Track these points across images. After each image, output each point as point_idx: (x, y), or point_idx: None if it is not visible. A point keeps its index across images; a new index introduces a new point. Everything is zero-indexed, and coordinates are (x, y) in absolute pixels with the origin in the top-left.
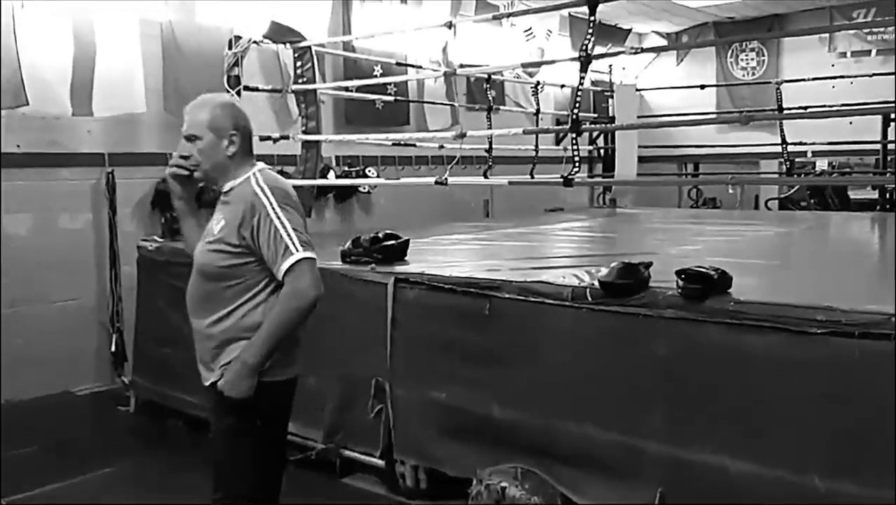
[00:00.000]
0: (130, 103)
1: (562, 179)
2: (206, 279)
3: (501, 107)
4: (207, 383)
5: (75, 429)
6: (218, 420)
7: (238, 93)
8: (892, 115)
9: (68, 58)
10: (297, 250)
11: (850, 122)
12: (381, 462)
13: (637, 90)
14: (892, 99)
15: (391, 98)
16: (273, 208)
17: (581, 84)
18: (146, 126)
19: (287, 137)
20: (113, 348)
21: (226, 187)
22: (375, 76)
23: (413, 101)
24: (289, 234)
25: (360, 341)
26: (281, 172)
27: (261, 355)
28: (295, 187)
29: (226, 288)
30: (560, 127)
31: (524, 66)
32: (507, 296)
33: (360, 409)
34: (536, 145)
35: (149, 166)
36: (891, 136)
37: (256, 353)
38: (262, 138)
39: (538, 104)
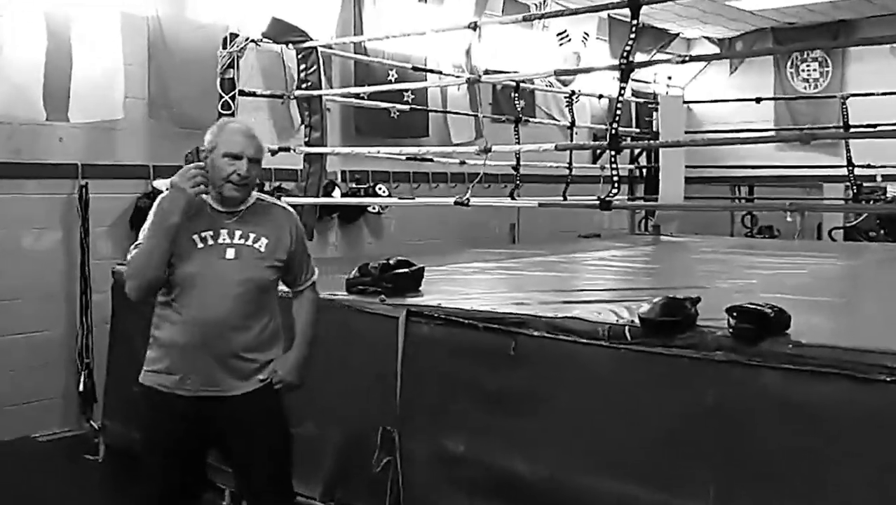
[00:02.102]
0: (108, 108)
1: (598, 202)
2: (260, 293)
3: (531, 119)
4: (242, 392)
5: (35, 481)
6: (272, 416)
7: (232, 98)
8: None
9: (40, 56)
10: (315, 266)
11: None
12: None
13: (684, 102)
14: None
15: (407, 107)
16: (303, 232)
17: (621, 95)
18: (127, 134)
19: (288, 149)
20: (81, 388)
21: (241, 206)
22: (390, 82)
23: (432, 111)
24: (309, 253)
25: (366, 384)
26: (279, 189)
27: (310, 348)
28: (295, 206)
29: (269, 298)
30: (597, 143)
31: (557, 73)
32: (534, 333)
33: (365, 461)
34: (570, 163)
35: (129, 179)
36: None
37: (309, 346)
38: None
39: (573, 116)
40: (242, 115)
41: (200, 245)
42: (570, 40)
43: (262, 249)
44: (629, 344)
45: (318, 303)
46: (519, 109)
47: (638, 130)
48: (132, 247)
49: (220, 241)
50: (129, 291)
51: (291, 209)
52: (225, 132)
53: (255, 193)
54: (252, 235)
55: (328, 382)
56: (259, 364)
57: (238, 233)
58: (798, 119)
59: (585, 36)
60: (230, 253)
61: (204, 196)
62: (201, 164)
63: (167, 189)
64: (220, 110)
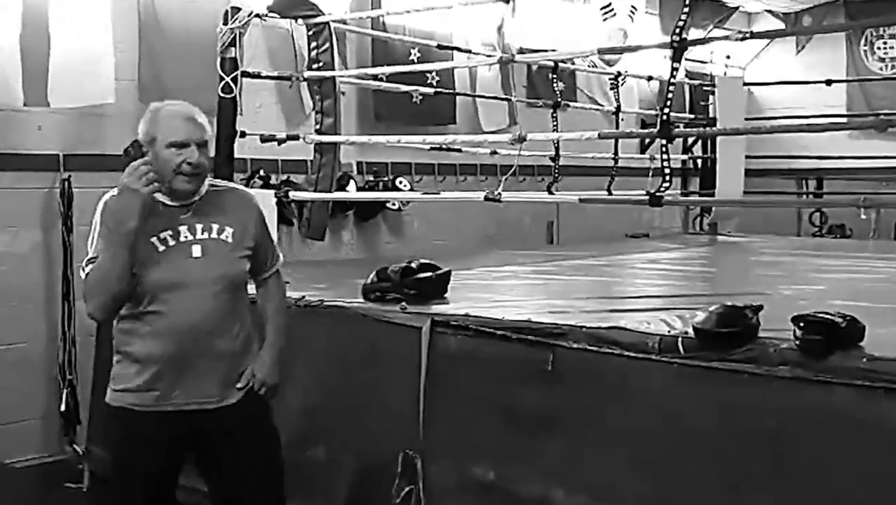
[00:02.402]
0: (97, 92)
1: (647, 197)
2: (235, 289)
3: (571, 103)
4: (231, 402)
5: None
6: (263, 422)
7: (234, 80)
8: None
9: (15, 33)
10: (280, 251)
11: None
12: None
13: (745, 84)
14: None
15: (431, 90)
16: (264, 215)
17: (673, 76)
18: (115, 121)
19: (297, 138)
20: (63, 408)
21: (194, 197)
22: (412, 62)
23: (459, 95)
24: (272, 237)
25: (385, 403)
26: (287, 182)
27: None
28: (304, 202)
29: (243, 295)
30: (646, 130)
31: (601, 52)
32: (575, 346)
33: (383, 491)
34: (616, 153)
35: (117, 172)
36: None
37: (284, 340)
38: (265, 139)
39: (618, 101)
40: (247, 98)
41: (162, 248)
42: (615, 15)
43: (230, 240)
44: (682, 358)
45: (285, 292)
46: (558, 93)
47: (692, 116)
48: (84, 263)
49: (182, 239)
50: (93, 311)
51: (248, 190)
52: (162, 119)
53: (206, 180)
54: (215, 227)
55: (341, 402)
56: (243, 369)
57: (199, 227)
58: (873, 104)
59: (633, 10)
60: (196, 251)
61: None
62: (147, 158)
63: (116, 192)
64: (221, 93)
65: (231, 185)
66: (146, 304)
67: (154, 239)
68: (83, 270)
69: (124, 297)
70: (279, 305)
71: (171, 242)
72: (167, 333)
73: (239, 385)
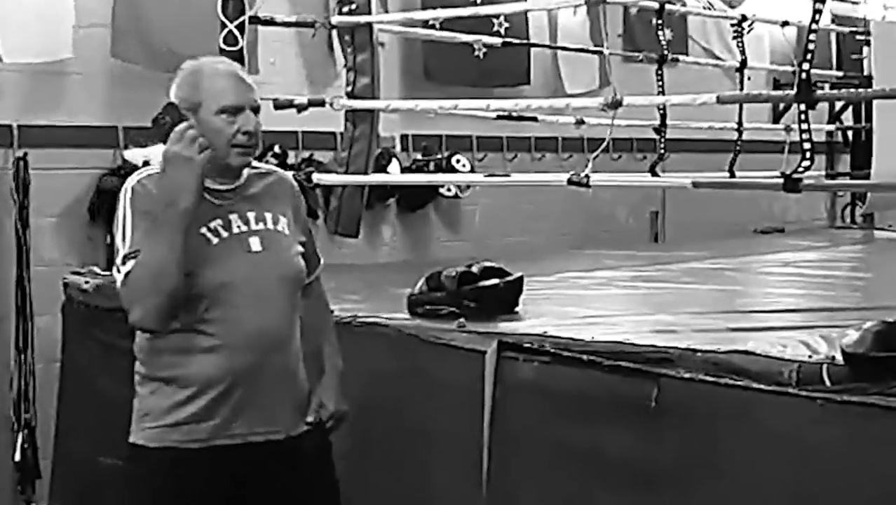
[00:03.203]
0: (52, 44)
1: (782, 179)
2: (295, 292)
3: (681, 57)
4: (298, 432)
5: None
6: (323, 462)
7: (241, 27)
8: None
9: None
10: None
11: None
12: None
13: None
14: None
15: (499, 41)
16: None
17: (816, 21)
18: (83, 82)
19: (322, 104)
20: (17, 456)
21: (244, 176)
22: (473, 4)
23: (535, 46)
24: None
25: (437, 449)
26: (309, 161)
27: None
28: (333, 187)
29: (298, 300)
30: (780, 93)
31: None
32: (686, 376)
33: None
34: (740, 122)
35: (87, 149)
36: None
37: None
38: (280, 105)
39: (743, 54)
40: (261, 51)
41: (215, 240)
42: None
43: (287, 231)
44: (828, 392)
45: (329, 302)
46: (664, 44)
47: (841, 75)
48: (120, 261)
49: (234, 230)
50: (141, 319)
51: (291, 177)
52: (206, 80)
53: None
54: (268, 215)
55: (382, 448)
56: (307, 391)
57: (252, 214)
58: None
59: None
60: (255, 244)
61: None
62: (191, 122)
63: (160, 166)
64: (223, 45)
65: (271, 167)
66: (201, 311)
67: (204, 230)
68: (118, 270)
69: (181, 297)
70: (330, 317)
71: (224, 234)
72: (232, 347)
73: (309, 419)
